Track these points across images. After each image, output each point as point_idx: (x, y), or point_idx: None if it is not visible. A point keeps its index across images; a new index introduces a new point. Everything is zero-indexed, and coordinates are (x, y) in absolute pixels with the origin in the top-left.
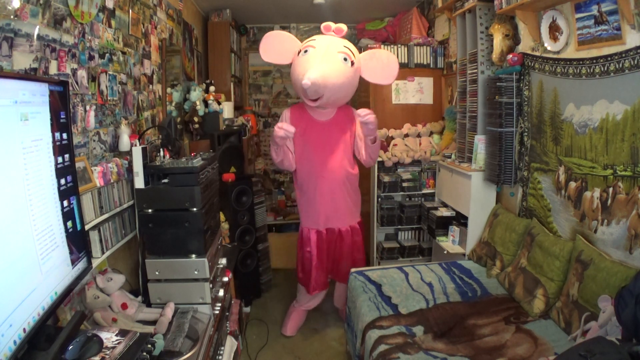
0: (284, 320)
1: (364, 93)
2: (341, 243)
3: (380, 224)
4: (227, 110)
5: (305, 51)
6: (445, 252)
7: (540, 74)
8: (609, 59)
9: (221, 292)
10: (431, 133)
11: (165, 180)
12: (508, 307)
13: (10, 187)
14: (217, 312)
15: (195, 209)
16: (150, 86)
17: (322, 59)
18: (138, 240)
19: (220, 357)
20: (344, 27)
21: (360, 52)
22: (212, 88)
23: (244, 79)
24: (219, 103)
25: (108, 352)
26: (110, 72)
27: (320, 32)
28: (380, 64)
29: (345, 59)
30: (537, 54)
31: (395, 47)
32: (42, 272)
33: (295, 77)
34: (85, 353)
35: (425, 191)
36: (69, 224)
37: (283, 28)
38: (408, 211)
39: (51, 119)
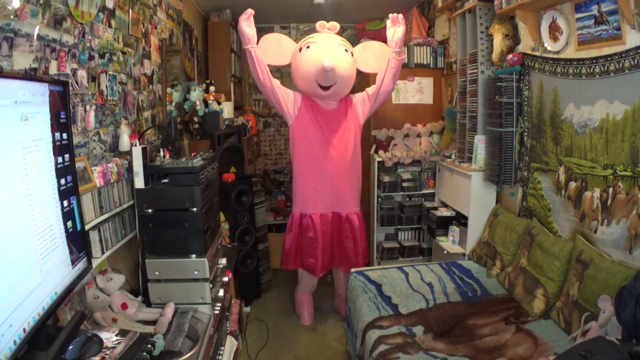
0: (299, 311)
1: None
2: (350, 228)
3: (380, 224)
4: (227, 110)
5: (308, 47)
6: (445, 252)
7: (540, 74)
8: (609, 59)
9: (221, 292)
10: (431, 133)
11: (165, 180)
12: (508, 307)
13: (10, 187)
14: (217, 312)
15: (195, 209)
16: (150, 86)
17: (329, 50)
18: (138, 240)
19: (220, 357)
20: (337, 24)
21: None
22: (212, 88)
23: (244, 79)
24: (219, 103)
25: (108, 352)
26: (110, 72)
27: (315, 32)
28: (373, 53)
29: (346, 50)
30: (537, 54)
31: None
32: (42, 272)
33: (305, 69)
34: (85, 353)
35: (425, 191)
36: (69, 224)
37: (283, 28)
38: (408, 211)
39: (51, 119)
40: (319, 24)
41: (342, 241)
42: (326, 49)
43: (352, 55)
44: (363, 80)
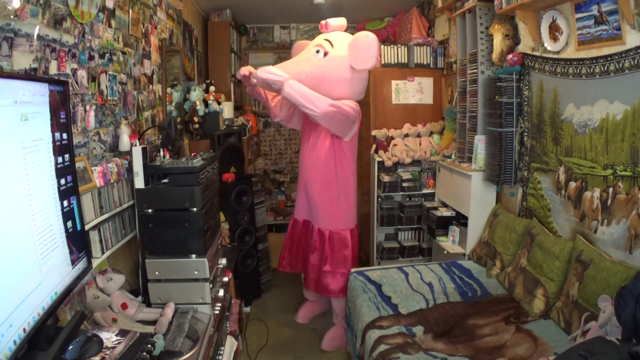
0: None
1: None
2: (319, 240)
3: (380, 224)
4: (227, 110)
5: None
6: (445, 252)
7: (540, 74)
8: (609, 59)
9: (221, 292)
10: (431, 133)
11: (165, 180)
12: (508, 307)
13: (11, 187)
14: (217, 312)
15: (195, 209)
16: (150, 86)
17: (300, 55)
18: (138, 240)
19: (220, 357)
20: (331, 21)
21: None
22: (212, 88)
23: None
24: (219, 103)
25: (108, 352)
26: (110, 72)
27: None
28: (360, 47)
29: (317, 51)
30: (537, 54)
31: (395, 47)
32: (42, 272)
33: None
34: (85, 353)
35: (425, 191)
36: (69, 224)
37: (283, 28)
38: (408, 211)
39: (51, 119)
40: (320, 25)
41: (309, 253)
42: (298, 57)
43: (327, 54)
44: None
